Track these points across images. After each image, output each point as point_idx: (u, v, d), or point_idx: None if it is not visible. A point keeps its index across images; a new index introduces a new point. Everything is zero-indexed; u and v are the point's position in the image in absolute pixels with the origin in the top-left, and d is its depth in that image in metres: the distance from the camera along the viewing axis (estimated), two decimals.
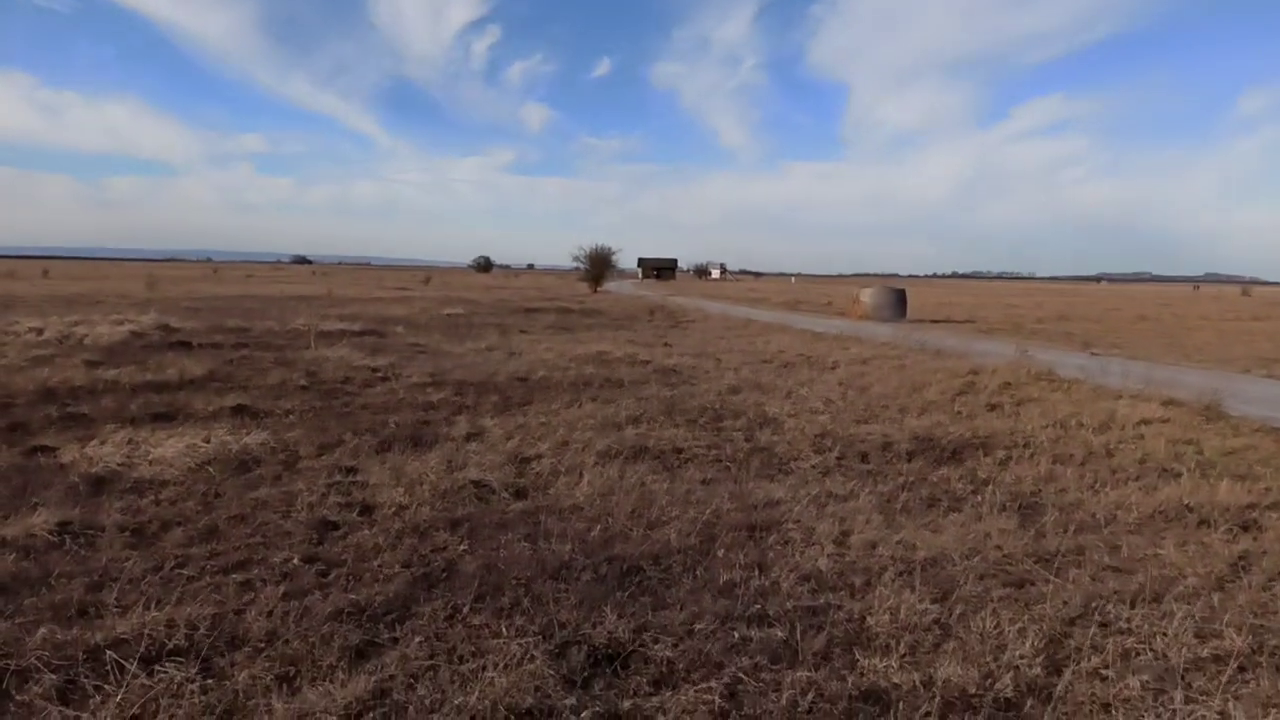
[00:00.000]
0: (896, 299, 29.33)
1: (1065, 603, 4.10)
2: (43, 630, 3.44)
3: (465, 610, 3.84)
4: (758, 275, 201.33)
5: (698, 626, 3.74)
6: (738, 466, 6.84)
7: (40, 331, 14.69)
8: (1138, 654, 3.57)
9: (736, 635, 3.66)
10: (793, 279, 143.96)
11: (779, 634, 3.70)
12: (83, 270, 75.26)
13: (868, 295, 29.65)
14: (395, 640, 3.54)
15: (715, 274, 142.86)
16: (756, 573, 4.42)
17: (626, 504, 5.57)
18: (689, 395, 10.17)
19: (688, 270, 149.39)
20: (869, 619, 3.89)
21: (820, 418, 8.80)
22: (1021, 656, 3.49)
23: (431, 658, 3.37)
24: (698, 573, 4.45)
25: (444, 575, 4.31)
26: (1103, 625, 3.86)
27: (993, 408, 9.67)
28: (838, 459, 7.13)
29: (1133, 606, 4.07)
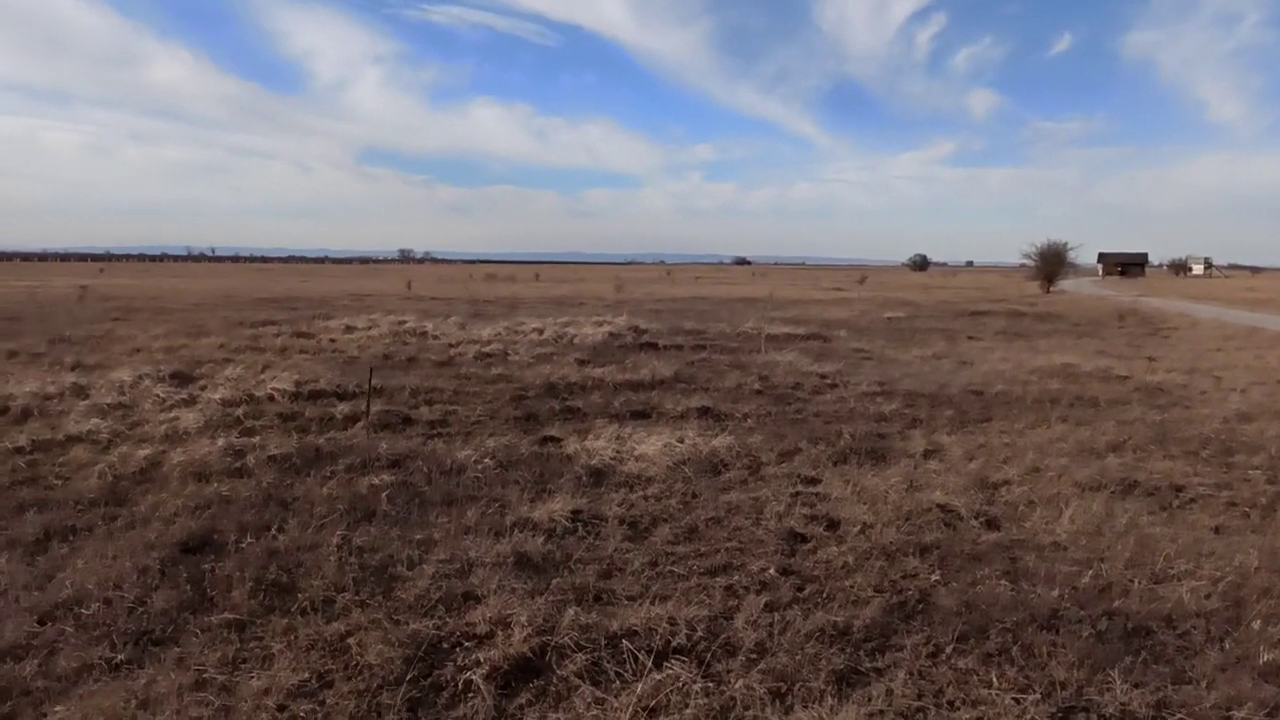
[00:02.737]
0: None
1: None
2: (570, 611, 3.98)
3: (948, 650, 3.67)
4: (1254, 271, 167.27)
5: (1236, 715, 3.14)
6: (1261, 514, 5.70)
7: (541, 331, 17.34)
8: None
9: None
10: None
11: None
12: (564, 273, 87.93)
13: None
14: (878, 672, 3.50)
15: (1198, 270, 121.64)
16: None
17: (1120, 549, 4.91)
18: (1183, 421, 8.74)
19: (1159, 266, 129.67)
20: None
21: None
22: None
23: (919, 698, 3.26)
24: (1225, 645, 3.76)
25: (919, 606, 4.17)
26: None
27: None
28: None
29: None
